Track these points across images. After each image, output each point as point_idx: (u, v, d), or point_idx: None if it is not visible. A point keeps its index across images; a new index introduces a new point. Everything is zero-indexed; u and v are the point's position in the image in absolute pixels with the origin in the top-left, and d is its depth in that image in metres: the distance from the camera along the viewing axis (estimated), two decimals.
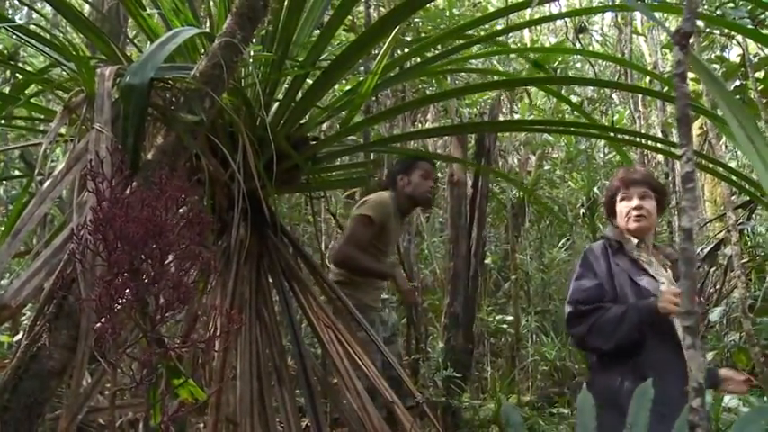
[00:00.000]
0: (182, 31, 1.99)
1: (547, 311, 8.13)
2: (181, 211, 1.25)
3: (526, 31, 9.25)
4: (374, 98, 5.06)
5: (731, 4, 3.79)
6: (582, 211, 7.01)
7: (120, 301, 1.07)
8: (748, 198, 5.16)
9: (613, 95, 8.04)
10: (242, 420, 2.10)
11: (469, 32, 2.87)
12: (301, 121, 2.49)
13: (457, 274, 5.62)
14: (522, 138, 8.61)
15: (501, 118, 6.81)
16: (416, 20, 5.98)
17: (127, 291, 1.07)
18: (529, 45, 8.66)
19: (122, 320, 1.15)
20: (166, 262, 1.11)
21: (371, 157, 3.59)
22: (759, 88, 4.86)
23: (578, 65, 8.18)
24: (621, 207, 2.85)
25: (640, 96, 8.03)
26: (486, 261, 7.00)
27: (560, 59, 7.35)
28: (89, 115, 1.68)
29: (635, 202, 2.80)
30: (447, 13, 6.18)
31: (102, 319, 1.10)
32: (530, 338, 7.21)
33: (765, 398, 4.10)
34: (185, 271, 1.11)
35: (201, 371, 2.10)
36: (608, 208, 2.96)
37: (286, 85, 2.53)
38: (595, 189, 6.91)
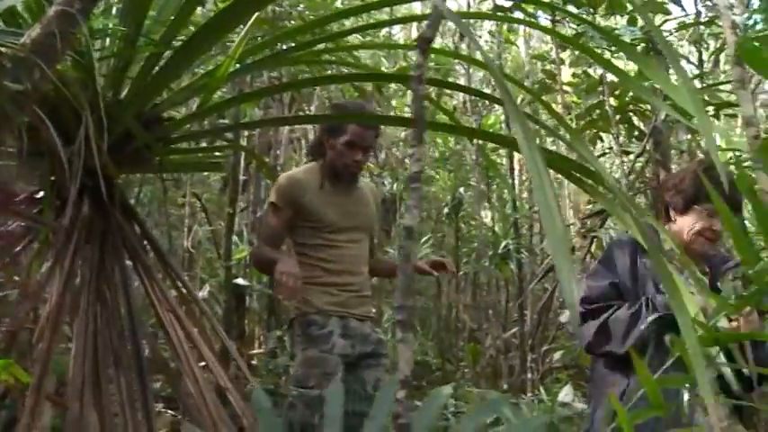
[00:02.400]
0: None
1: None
2: None
3: (414, 29, 9.43)
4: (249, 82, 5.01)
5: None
6: (446, 210, 7.23)
7: None
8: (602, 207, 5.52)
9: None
10: (72, 403, 2.04)
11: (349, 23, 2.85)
12: (156, 101, 2.43)
13: None
14: (401, 135, 8.80)
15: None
16: (300, 8, 5.96)
17: None
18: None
19: None
20: None
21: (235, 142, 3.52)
22: (614, 105, 5.24)
23: (458, 67, 8.43)
24: (698, 221, 2.36)
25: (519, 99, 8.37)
26: None
27: (443, 62, 7.56)
28: None
29: (716, 221, 2.32)
30: (332, 4, 6.19)
31: None
32: (391, 332, 7.36)
33: None
34: None
35: (29, 352, 2.02)
36: (676, 205, 2.42)
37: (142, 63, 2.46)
38: (461, 189, 7.15)
